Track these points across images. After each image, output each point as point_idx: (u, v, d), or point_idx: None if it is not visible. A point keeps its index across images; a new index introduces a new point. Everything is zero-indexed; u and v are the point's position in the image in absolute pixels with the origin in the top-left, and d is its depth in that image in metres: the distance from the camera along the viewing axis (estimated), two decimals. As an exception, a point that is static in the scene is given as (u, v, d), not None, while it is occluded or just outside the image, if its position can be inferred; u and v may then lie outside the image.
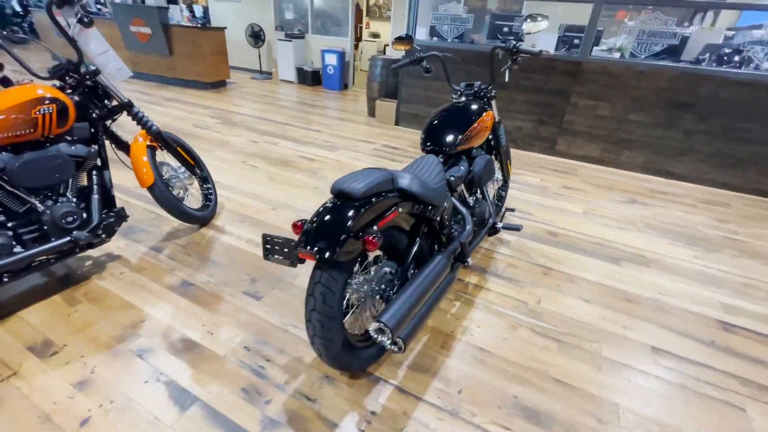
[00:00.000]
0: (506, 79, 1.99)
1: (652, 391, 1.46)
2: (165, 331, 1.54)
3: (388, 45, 10.14)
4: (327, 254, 1.10)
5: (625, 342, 1.68)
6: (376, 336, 1.16)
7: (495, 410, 1.33)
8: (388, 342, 1.18)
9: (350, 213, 1.18)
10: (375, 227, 1.21)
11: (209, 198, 2.39)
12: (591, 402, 1.39)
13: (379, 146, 4.07)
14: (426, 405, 1.33)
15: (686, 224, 2.85)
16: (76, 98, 1.67)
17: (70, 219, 1.60)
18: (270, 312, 1.68)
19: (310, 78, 7.38)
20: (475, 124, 1.83)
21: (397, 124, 4.96)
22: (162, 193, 1.96)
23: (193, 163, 2.26)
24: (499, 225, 2.01)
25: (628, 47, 3.79)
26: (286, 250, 1.37)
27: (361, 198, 1.21)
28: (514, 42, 1.90)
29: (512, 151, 4.32)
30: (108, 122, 1.85)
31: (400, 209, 1.35)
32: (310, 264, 1.99)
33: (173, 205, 2.03)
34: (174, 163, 2.21)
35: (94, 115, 1.75)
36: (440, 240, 1.65)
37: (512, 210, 2.04)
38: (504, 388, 1.41)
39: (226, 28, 6.23)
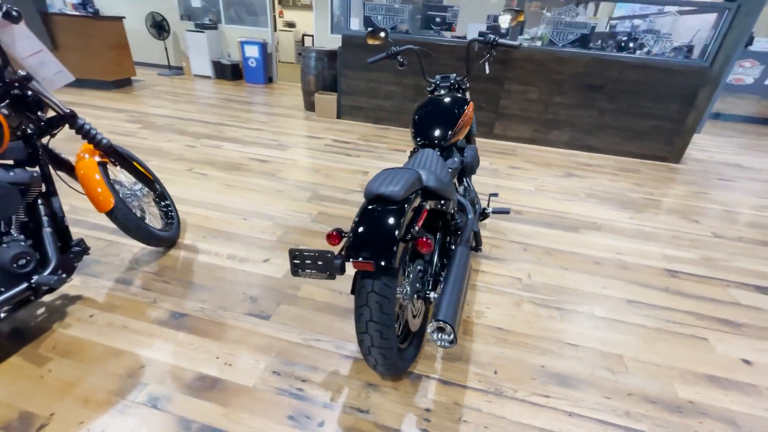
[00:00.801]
0: (487, 71, 2.08)
1: (639, 337, 1.70)
2: (174, 373, 1.35)
3: (306, 35, 9.80)
4: (384, 262, 1.07)
5: (607, 300, 1.92)
6: (434, 335, 1.16)
7: (530, 382, 1.43)
8: (449, 339, 1.20)
9: (396, 217, 1.15)
10: (416, 227, 1.20)
11: (170, 216, 2.12)
12: (601, 357, 1.57)
13: (330, 141, 3.96)
14: (471, 391, 1.38)
15: (615, 191, 3.31)
16: (5, 111, 1.34)
17: (22, 262, 1.30)
18: (285, 330, 1.58)
19: (230, 72, 6.82)
20: (463, 116, 1.90)
21: (339, 117, 4.86)
22: (126, 216, 1.68)
23: (151, 178, 1.98)
24: (489, 210, 2.12)
25: (547, 36, 4.20)
26: (320, 262, 1.30)
27: (402, 200, 1.19)
28: (492, 36, 1.98)
29: (455, 137, 4.54)
30: (47, 138, 1.53)
31: (427, 207, 1.35)
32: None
33: (139, 229, 1.76)
34: (126, 179, 1.91)
35: (29, 131, 1.43)
36: (452, 232, 1.69)
37: (495, 195, 2.16)
38: (530, 361, 1.53)
39: (124, 17, 5.43)
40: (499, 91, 4.27)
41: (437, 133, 1.81)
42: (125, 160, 1.82)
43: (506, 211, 2.17)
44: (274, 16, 6.59)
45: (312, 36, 9.48)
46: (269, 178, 2.97)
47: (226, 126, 4.22)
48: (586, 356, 1.57)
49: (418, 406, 1.31)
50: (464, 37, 4.41)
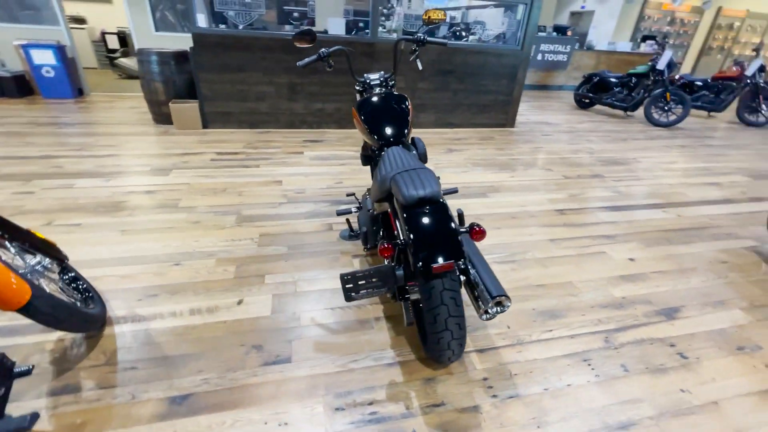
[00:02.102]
0: (420, 67, 2.20)
1: (572, 263, 2.20)
2: (229, 461, 1.12)
3: (109, 33, 7.98)
4: (460, 258, 1.14)
5: (537, 243, 2.40)
6: (493, 309, 1.29)
7: (534, 325, 1.73)
8: (508, 306, 1.34)
9: (448, 214, 1.22)
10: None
11: (81, 288, 1.60)
12: (561, 287, 1.99)
13: (213, 156, 3.49)
14: (503, 349, 1.58)
15: (488, 157, 3.99)
16: None
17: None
18: (316, 364, 1.45)
19: (14, 87, 5.09)
20: (411, 111, 2.00)
21: (206, 127, 4.28)
22: (51, 303, 1.21)
23: (52, 243, 1.44)
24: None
25: (400, 28, 4.60)
26: (376, 279, 1.27)
27: (442, 198, 1.26)
28: (421, 35, 2.11)
29: (338, 131, 4.60)
30: None
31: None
32: (311, 297, 1.76)
33: (73, 315, 1.30)
34: (14, 252, 1.31)
35: None
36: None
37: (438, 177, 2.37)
38: (523, 308, 1.83)
39: None
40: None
41: (397, 130, 1.88)
42: (20, 231, 1.29)
43: (454, 191, 2.42)
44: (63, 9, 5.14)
45: (121, 34, 7.82)
46: (172, 211, 2.48)
47: (60, 158, 3.23)
48: (553, 290, 1.97)
49: (476, 378, 1.44)
50: (325, 32, 4.43)
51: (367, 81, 2.19)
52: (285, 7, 4.20)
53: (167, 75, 4.10)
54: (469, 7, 5.45)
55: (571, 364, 1.54)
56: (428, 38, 2.07)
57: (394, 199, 1.38)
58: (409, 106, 2.01)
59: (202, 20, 4.01)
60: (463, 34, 4.92)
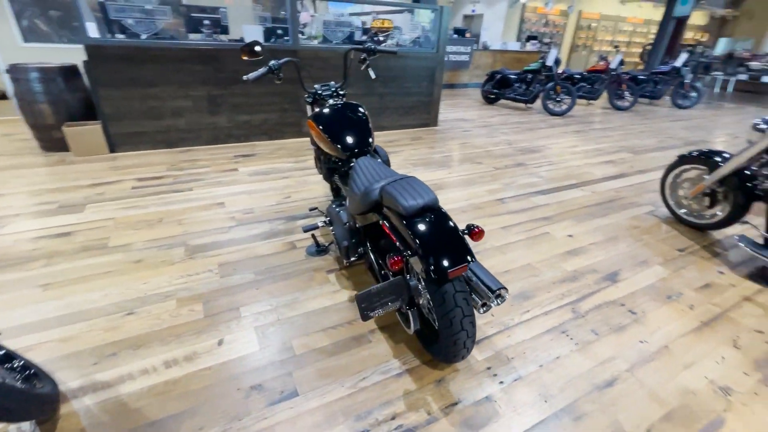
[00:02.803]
0: (373, 76, 2.19)
1: (524, 247, 2.43)
2: None
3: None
4: (471, 259, 1.19)
5: (492, 233, 2.59)
6: (495, 302, 1.37)
7: (513, 308, 1.87)
8: (506, 298, 1.42)
9: (449, 219, 1.26)
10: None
11: (18, 366, 1.30)
12: (524, 270, 2.18)
13: (134, 183, 3.08)
14: (494, 336, 1.69)
15: (423, 156, 4.17)
16: None
17: None
18: (327, 391, 1.39)
19: None
20: (369, 120, 2.01)
21: (113, 150, 3.74)
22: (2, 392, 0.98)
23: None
24: None
25: (320, 34, 4.55)
26: (390, 294, 1.26)
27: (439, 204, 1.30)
28: (370, 44, 2.10)
29: (268, 142, 4.39)
30: None
31: None
32: (297, 322, 1.66)
33: (28, 399, 1.05)
34: None
35: None
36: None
37: None
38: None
39: None
40: (295, 90, 4.37)
41: (361, 140, 1.88)
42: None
43: None
44: None
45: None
46: (102, 252, 2.14)
47: None
48: (517, 274, 2.15)
49: (481, 369, 1.52)
50: (241, 40, 4.19)
51: (318, 92, 2.14)
52: (194, 15, 3.86)
53: (55, 94, 3.49)
54: (379, 13, 5.62)
55: (554, 338, 1.70)
56: (378, 48, 2.09)
57: (387, 210, 1.38)
58: (367, 114, 2.02)
59: (93, 30, 3.49)
60: (381, 38, 5.05)
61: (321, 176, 3.33)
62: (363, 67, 2.18)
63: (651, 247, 2.51)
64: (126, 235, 2.33)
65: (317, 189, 3.13)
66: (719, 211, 2.60)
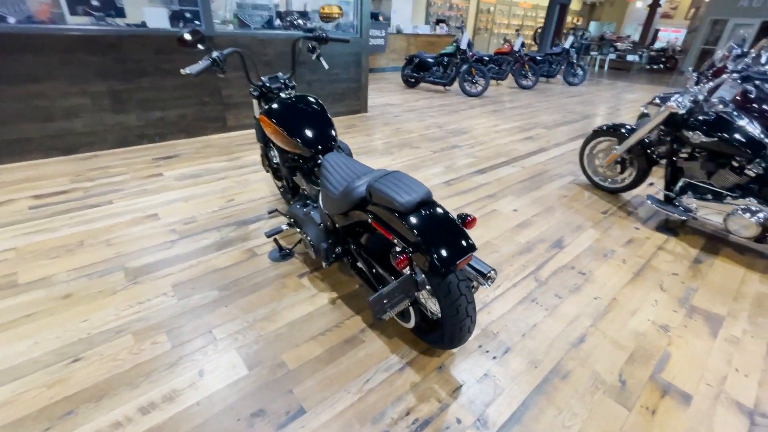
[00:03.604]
0: (326, 66, 2.04)
1: (480, 225, 2.57)
2: None
3: None
4: (475, 249, 1.22)
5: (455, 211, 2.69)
6: (486, 284, 1.44)
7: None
8: (494, 279, 1.49)
9: (445, 210, 1.28)
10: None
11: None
12: (485, 248, 2.32)
13: (31, 201, 2.54)
14: (477, 316, 1.78)
15: (364, 143, 4.13)
16: None
17: None
18: (334, 401, 1.34)
19: None
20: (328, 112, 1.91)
21: (-12, 164, 3.03)
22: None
23: None
24: None
25: (236, 19, 4.16)
26: (399, 293, 1.25)
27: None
28: (321, 32, 1.95)
29: (189, 140, 3.94)
30: None
31: None
32: (283, 335, 1.55)
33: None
34: None
35: None
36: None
37: None
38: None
39: None
40: (217, 81, 3.97)
41: (326, 135, 1.78)
42: None
43: None
44: None
45: None
46: (16, 292, 1.74)
47: None
48: (481, 252, 2.28)
49: (474, 349, 1.59)
50: (143, 25, 3.64)
51: (266, 85, 1.97)
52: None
53: None
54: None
55: (526, 307, 1.85)
56: (330, 36, 1.98)
57: (377, 207, 1.34)
58: (324, 107, 1.92)
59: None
60: (300, 23, 4.78)
61: (268, 174, 3.12)
62: (314, 56, 2.05)
63: (581, 213, 2.84)
64: (39, 266, 1.93)
65: (262, 188, 2.93)
66: (628, 176, 3.04)
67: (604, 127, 3.06)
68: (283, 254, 2.10)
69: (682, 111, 2.38)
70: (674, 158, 2.61)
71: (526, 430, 1.28)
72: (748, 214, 2.21)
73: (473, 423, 1.29)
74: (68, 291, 1.78)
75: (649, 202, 2.68)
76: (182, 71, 1.65)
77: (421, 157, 3.80)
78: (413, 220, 1.24)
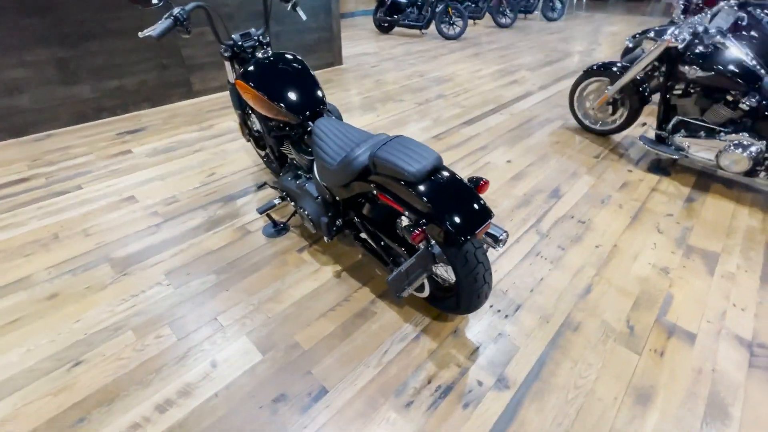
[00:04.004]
0: (304, 17, 1.80)
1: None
2: None
3: None
4: (492, 215, 1.16)
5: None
6: (498, 247, 1.39)
7: (489, 243, 1.96)
8: (505, 242, 1.45)
9: (459, 177, 1.20)
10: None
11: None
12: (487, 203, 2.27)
13: (-13, 194, 2.31)
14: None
15: (345, 100, 3.89)
16: None
17: None
18: (355, 376, 1.33)
19: None
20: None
21: (-71, 154, 2.70)
22: None
23: None
24: None
25: (185, -36, 3.65)
26: (416, 267, 1.20)
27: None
28: None
29: (154, 111, 3.62)
30: None
31: None
32: (291, 315, 1.50)
33: None
34: None
35: None
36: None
37: None
38: (472, 234, 2.04)
39: None
40: (176, 40, 3.57)
41: (314, 98, 1.62)
42: None
43: None
44: None
45: None
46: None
47: None
48: (480, 209, 2.24)
49: (484, 310, 1.59)
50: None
51: (238, 43, 1.75)
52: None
53: None
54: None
55: (532, 262, 1.85)
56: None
57: (382, 177, 1.25)
58: (307, 65, 1.74)
59: None
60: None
61: (248, 143, 2.92)
62: (289, 6, 1.81)
63: (574, 159, 2.80)
64: (14, 267, 1.78)
65: (243, 159, 2.74)
66: (619, 117, 2.98)
67: (595, 67, 2.94)
68: (278, 229, 2.00)
69: (680, 45, 2.28)
70: (667, 96, 2.55)
71: (545, 385, 1.32)
72: (740, 149, 2.22)
73: (494, 384, 1.32)
74: (53, 290, 1.66)
75: (641, 142, 2.66)
76: (140, 34, 1.43)
77: (407, 111, 3.63)
78: (425, 189, 1.15)
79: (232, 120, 3.40)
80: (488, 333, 1.49)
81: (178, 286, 1.69)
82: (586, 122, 3.20)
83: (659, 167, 2.69)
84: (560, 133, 3.20)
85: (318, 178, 1.58)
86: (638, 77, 2.70)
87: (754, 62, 2.19)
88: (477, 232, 1.12)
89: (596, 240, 2.00)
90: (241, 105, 2.06)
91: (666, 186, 2.47)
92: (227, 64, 1.84)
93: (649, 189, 2.44)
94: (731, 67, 2.19)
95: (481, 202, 1.17)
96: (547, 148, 2.96)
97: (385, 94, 4.09)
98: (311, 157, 1.68)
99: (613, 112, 2.98)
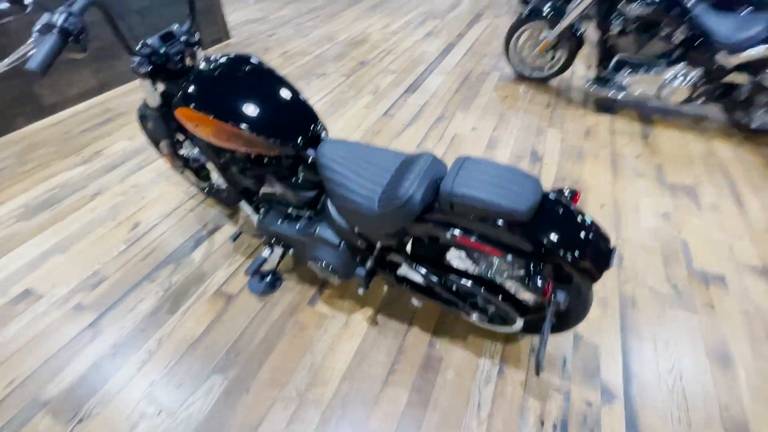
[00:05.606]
0: (252, 1, 1.23)
1: (450, 153, 2.31)
2: None
3: None
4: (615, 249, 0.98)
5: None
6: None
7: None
8: None
9: (570, 206, 0.98)
10: None
11: None
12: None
13: None
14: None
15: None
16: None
17: None
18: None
19: None
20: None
21: None
22: None
23: None
24: None
25: None
26: (549, 327, 0.97)
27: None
28: None
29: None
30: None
31: None
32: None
33: None
34: None
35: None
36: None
37: None
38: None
39: None
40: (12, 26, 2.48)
41: (304, 118, 1.19)
42: None
43: None
44: None
45: None
46: None
47: None
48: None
49: (546, 312, 1.47)
50: None
51: (159, 51, 1.17)
52: None
53: None
54: None
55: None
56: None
57: (468, 220, 0.96)
58: (274, 70, 1.26)
59: None
60: None
61: (165, 167, 2.26)
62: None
63: (531, 112, 2.76)
64: None
65: (168, 191, 2.10)
66: (556, 63, 2.99)
67: (529, 13, 2.84)
68: (270, 282, 1.57)
69: (625, -17, 2.26)
70: (607, 36, 2.58)
71: (643, 381, 1.27)
72: (678, 80, 2.37)
73: (602, 399, 1.22)
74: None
75: (592, 86, 2.69)
76: (31, 68, 0.81)
77: (338, 88, 3.17)
78: (538, 228, 0.90)
79: (124, 138, 2.58)
80: (563, 340, 1.38)
81: (176, 411, 1.22)
82: (524, 71, 3.16)
83: (606, 107, 2.79)
84: (503, 87, 3.12)
85: (339, 222, 1.20)
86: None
87: (684, -7, 2.28)
88: (607, 269, 0.93)
89: (597, 199, 1.99)
90: (169, 132, 1.47)
91: (620, 126, 2.58)
92: (146, 83, 1.24)
93: (609, 132, 2.52)
94: (666, 1, 2.26)
95: (600, 229, 0.96)
96: (499, 105, 2.86)
97: (302, 69, 3.52)
98: (311, 193, 1.27)
99: (552, 58, 2.97)
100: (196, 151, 1.56)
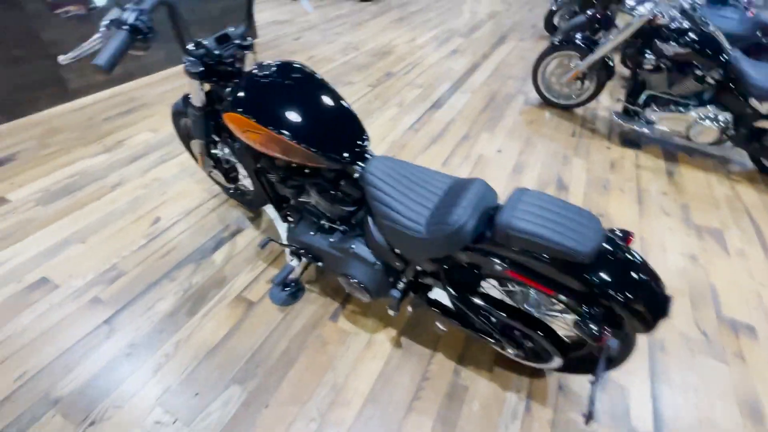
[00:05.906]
0: (311, 10, 1.22)
1: (475, 173, 2.29)
2: None
3: None
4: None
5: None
6: None
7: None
8: None
9: (629, 249, 0.95)
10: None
11: None
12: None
13: None
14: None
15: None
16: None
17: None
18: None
19: None
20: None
21: None
22: None
23: None
24: None
25: None
26: (604, 361, 0.94)
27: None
28: None
29: (13, 126, 2.55)
30: None
31: None
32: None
33: None
34: None
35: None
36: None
37: None
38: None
39: None
40: (24, 20, 2.47)
41: (353, 132, 1.17)
42: None
43: None
44: None
45: None
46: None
47: None
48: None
49: (574, 348, 1.44)
50: None
51: (213, 52, 1.16)
52: None
53: None
54: None
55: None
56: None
57: (524, 256, 0.94)
58: (325, 80, 1.25)
59: None
60: None
61: (189, 161, 2.24)
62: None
63: (555, 139, 2.75)
64: None
65: (190, 187, 2.07)
66: (585, 92, 2.99)
67: (560, 42, 2.85)
68: (292, 292, 1.54)
69: (666, 22, 2.27)
70: (638, 70, 2.58)
71: (674, 425, 1.23)
72: (708, 121, 2.37)
73: (632, 446, 1.18)
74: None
75: (616, 118, 2.69)
76: (62, 59, 0.79)
77: (365, 98, 3.17)
78: (599, 272, 0.88)
79: (148, 130, 2.55)
80: (588, 379, 1.35)
81: (192, 421, 1.17)
82: (549, 96, 3.16)
83: (630, 141, 2.79)
84: (528, 111, 3.12)
85: (379, 240, 1.17)
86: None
87: (722, 38, 2.28)
88: (665, 316, 0.91)
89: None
90: (208, 132, 1.44)
91: (644, 161, 2.57)
92: (195, 83, 1.22)
93: (634, 166, 2.51)
94: (705, 44, 2.26)
95: (657, 275, 0.94)
96: (525, 129, 2.85)
97: (328, 75, 3.53)
98: (351, 208, 1.25)
99: (581, 86, 2.97)
100: (227, 151, 1.54)
